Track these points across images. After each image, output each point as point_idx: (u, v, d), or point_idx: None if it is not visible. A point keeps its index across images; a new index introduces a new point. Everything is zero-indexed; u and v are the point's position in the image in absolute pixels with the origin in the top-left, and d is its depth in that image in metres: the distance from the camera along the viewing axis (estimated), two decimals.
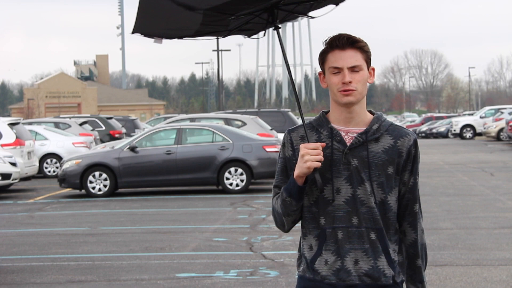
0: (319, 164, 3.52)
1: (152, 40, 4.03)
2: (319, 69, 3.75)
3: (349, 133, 3.63)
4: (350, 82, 3.57)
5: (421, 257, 3.74)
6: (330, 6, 4.03)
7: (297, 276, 3.80)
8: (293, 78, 3.95)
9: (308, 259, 3.67)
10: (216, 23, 3.93)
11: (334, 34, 3.63)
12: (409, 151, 3.66)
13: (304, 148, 3.53)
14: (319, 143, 3.55)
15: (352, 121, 3.64)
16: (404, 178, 3.67)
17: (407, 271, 3.74)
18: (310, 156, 3.51)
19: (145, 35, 4.01)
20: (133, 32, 3.96)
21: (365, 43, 3.62)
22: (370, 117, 3.68)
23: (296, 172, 3.56)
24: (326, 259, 3.62)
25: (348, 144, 3.61)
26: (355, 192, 3.59)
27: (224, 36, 4.10)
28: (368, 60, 3.63)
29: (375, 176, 3.60)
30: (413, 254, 3.73)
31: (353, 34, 3.62)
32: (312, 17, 4.09)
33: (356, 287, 3.61)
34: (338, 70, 3.59)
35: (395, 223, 3.68)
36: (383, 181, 3.61)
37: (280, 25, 3.95)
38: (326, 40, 3.63)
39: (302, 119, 3.74)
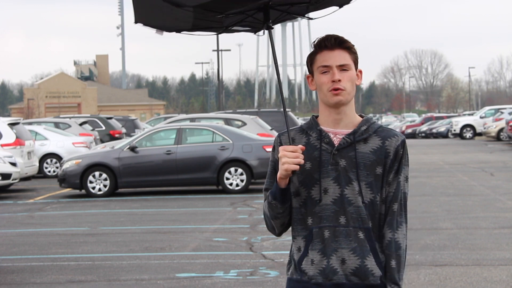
0: (297, 167, 3.52)
1: (153, 31, 4.01)
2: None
3: (337, 134, 3.65)
4: (340, 80, 3.59)
5: (396, 259, 3.63)
6: (333, 8, 4.01)
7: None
8: (282, 78, 3.95)
9: (296, 260, 3.68)
10: (210, 19, 3.92)
11: (323, 36, 3.65)
12: (396, 151, 3.65)
13: (282, 150, 3.54)
14: (298, 146, 3.55)
15: (340, 122, 3.65)
16: (389, 178, 3.66)
17: (385, 273, 3.66)
18: (287, 158, 3.51)
19: (146, 25, 3.98)
20: (135, 22, 3.95)
21: (353, 44, 3.65)
22: (359, 119, 3.70)
23: (278, 174, 3.58)
24: (312, 258, 3.62)
25: (336, 145, 3.63)
26: (343, 192, 3.60)
27: (221, 33, 4.09)
28: (355, 62, 3.65)
29: (363, 176, 3.60)
30: (388, 254, 3.64)
31: (341, 35, 3.65)
32: (311, 18, 4.07)
33: (343, 286, 3.61)
34: (327, 69, 3.60)
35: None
36: (372, 181, 3.62)
37: (272, 25, 3.93)
38: (314, 42, 3.65)
39: (286, 122, 3.75)
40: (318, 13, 4.04)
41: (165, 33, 4.03)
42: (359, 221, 3.60)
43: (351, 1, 3.94)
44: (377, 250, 3.63)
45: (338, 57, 3.59)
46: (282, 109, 31.78)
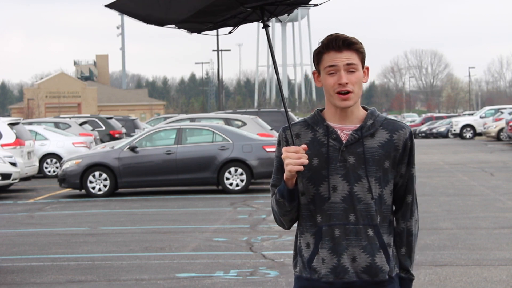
0: (301, 168, 3.52)
1: (184, 31, 4.04)
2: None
3: (344, 130, 3.64)
4: (347, 83, 3.58)
5: (406, 246, 3.75)
6: None
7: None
8: (281, 78, 3.92)
9: (305, 258, 3.68)
10: (212, 26, 3.93)
11: (330, 35, 3.63)
12: (405, 144, 3.67)
13: (285, 151, 3.55)
14: (300, 147, 3.55)
15: (347, 118, 3.65)
16: (401, 170, 3.68)
17: (395, 259, 3.75)
18: (290, 160, 3.52)
19: (179, 28, 3.99)
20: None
21: (361, 44, 3.63)
22: (364, 113, 3.69)
23: (284, 175, 3.59)
24: (322, 257, 3.63)
25: (344, 141, 3.62)
26: (352, 190, 3.60)
27: (231, 32, 4.08)
28: (363, 61, 3.65)
29: (372, 172, 3.61)
30: (399, 242, 3.74)
31: (349, 35, 3.62)
32: (316, 5, 3.97)
33: (353, 284, 3.62)
34: (334, 70, 3.59)
35: (389, 216, 3.69)
36: (380, 176, 3.63)
37: (269, 24, 3.91)
38: (322, 41, 3.63)
39: (288, 121, 3.74)
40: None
41: (193, 33, 4.07)
42: (368, 218, 3.61)
43: None
44: (386, 245, 3.65)
45: (346, 58, 3.58)
46: (282, 109, 31.83)
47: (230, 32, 4.08)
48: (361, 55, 3.62)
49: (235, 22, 3.94)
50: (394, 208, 3.75)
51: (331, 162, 3.61)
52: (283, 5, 3.89)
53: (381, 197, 3.63)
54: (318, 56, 3.64)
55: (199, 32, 4.03)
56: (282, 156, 3.55)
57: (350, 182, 3.60)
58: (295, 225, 3.79)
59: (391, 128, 3.67)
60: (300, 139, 3.67)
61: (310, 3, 3.94)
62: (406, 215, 3.73)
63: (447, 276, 9.44)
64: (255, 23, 4.03)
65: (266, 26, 3.86)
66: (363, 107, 3.72)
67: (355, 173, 3.60)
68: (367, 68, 3.68)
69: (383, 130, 3.65)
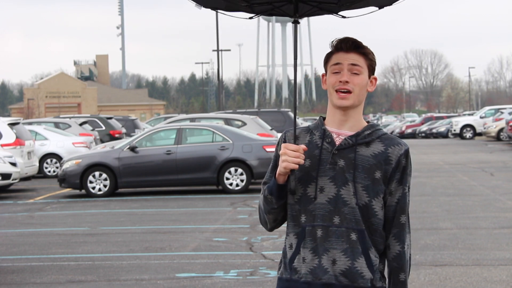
0: (296, 166, 3.54)
1: (193, 4, 3.97)
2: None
3: (340, 135, 3.66)
4: (347, 82, 3.59)
5: (405, 271, 3.67)
6: (371, 8, 3.96)
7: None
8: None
9: (287, 258, 3.68)
10: (239, 5, 3.92)
11: (341, 37, 3.66)
12: (398, 160, 3.64)
13: (284, 147, 3.57)
14: (300, 146, 3.58)
15: (345, 124, 3.66)
16: (391, 187, 3.65)
17: (391, 286, 3.68)
18: (287, 156, 3.54)
19: None
20: None
21: (371, 51, 3.65)
22: (364, 124, 3.70)
23: (277, 170, 3.61)
24: (303, 257, 3.62)
25: (337, 145, 3.64)
26: (339, 192, 3.60)
27: (252, 18, 4.08)
28: (370, 68, 3.65)
29: (360, 179, 3.59)
30: (396, 268, 3.67)
31: (359, 40, 3.66)
32: (344, 17, 4.00)
33: (332, 286, 3.59)
34: (338, 69, 3.61)
35: (381, 230, 3.65)
36: (369, 184, 3.60)
37: (300, 20, 3.91)
38: (332, 42, 3.66)
39: (294, 119, 3.76)
40: (353, 12, 3.98)
41: (202, 8, 4.01)
42: (353, 222, 3.59)
43: (394, 3, 3.87)
44: (370, 253, 3.61)
45: (351, 59, 3.61)
46: (281, 109, 31.74)
47: (251, 18, 4.08)
48: (369, 61, 3.64)
49: (266, 8, 3.93)
50: (385, 227, 3.69)
51: (322, 164, 3.63)
52: (316, 8, 3.91)
53: (369, 207, 3.60)
54: (327, 56, 3.68)
55: (214, 9, 4.00)
56: (281, 152, 3.57)
57: (338, 184, 3.60)
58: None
59: (388, 142, 3.66)
60: (298, 141, 3.71)
61: (339, 13, 3.98)
62: (400, 237, 3.67)
63: (447, 276, 9.44)
64: (254, 23, 4.02)
65: (296, 22, 3.88)
66: (367, 121, 3.73)
67: (343, 177, 3.60)
68: (375, 79, 3.69)
69: (379, 143, 3.65)
